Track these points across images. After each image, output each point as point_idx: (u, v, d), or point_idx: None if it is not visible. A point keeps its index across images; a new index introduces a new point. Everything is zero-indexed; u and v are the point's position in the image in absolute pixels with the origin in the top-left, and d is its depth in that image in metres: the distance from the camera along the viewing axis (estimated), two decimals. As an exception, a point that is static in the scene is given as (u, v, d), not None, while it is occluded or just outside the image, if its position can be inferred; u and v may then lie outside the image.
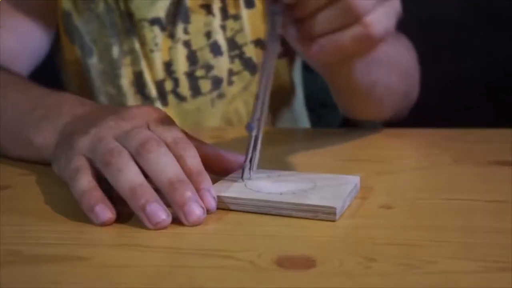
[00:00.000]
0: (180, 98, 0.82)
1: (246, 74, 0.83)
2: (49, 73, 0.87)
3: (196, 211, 0.43)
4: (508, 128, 0.70)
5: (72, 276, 0.36)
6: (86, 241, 0.41)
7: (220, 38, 0.81)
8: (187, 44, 0.81)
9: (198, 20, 0.81)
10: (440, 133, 0.71)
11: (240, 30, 0.82)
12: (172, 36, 0.81)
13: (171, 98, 0.82)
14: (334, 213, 0.43)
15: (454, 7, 1.31)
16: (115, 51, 0.81)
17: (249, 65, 0.83)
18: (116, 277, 0.36)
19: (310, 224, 0.43)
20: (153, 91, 0.82)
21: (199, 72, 0.82)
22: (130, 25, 0.80)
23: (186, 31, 0.81)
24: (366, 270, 0.36)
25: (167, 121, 0.49)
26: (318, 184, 0.48)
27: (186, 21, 0.81)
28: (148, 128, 0.48)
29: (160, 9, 0.80)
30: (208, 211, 0.44)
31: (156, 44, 0.80)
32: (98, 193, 0.44)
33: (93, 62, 0.82)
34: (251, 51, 0.83)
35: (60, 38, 0.83)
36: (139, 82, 0.81)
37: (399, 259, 0.38)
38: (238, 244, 0.40)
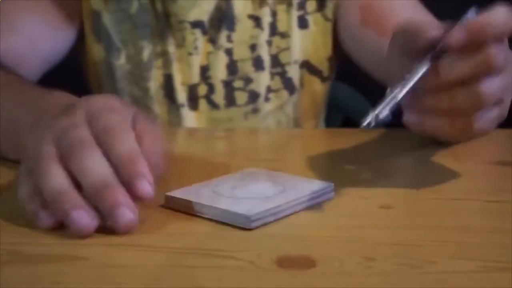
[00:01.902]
0: (213, 105, 0.81)
1: (284, 93, 0.82)
2: (75, 71, 0.86)
3: (124, 216, 0.40)
4: (508, 128, 0.70)
5: (72, 276, 0.36)
6: (86, 241, 0.41)
7: (264, 53, 0.80)
8: (229, 52, 0.79)
9: (244, 30, 0.79)
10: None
11: (287, 48, 0.81)
12: (213, 41, 0.79)
13: (203, 103, 0.81)
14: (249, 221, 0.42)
15: (454, 7, 1.31)
16: (146, 52, 0.79)
17: (289, 85, 0.82)
18: (116, 277, 0.36)
19: (310, 224, 0.43)
20: (181, 96, 0.80)
21: (237, 83, 0.80)
22: (166, 26, 0.79)
23: (229, 39, 0.79)
24: (366, 270, 0.36)
25: (109, 107, 0.45)
26: (288, 188, 0.47)
27: (231, 28, 0.79)
28: (90, 120, 0.44)
29: (204, 13, 0.78)
30: (144, 199, 0.41)
31: (195, 48, 0.79)
32: (38, 199, 0.42)
33: (120, 62, 0.80)
34: (293, 72, 0.82)
35: (85, 37, 0.81)
36: (168, 85, 0.80)
37: (399, 259, 0.38)
38: (238, 244, 0.40)
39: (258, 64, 0.80)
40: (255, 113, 0.81)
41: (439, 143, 0.67)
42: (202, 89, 0.80)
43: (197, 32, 0.79)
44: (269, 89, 0.81)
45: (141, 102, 0.81)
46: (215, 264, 0.37)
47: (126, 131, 0.43)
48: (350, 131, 0.75)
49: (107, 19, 0.80)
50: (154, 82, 0.80)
